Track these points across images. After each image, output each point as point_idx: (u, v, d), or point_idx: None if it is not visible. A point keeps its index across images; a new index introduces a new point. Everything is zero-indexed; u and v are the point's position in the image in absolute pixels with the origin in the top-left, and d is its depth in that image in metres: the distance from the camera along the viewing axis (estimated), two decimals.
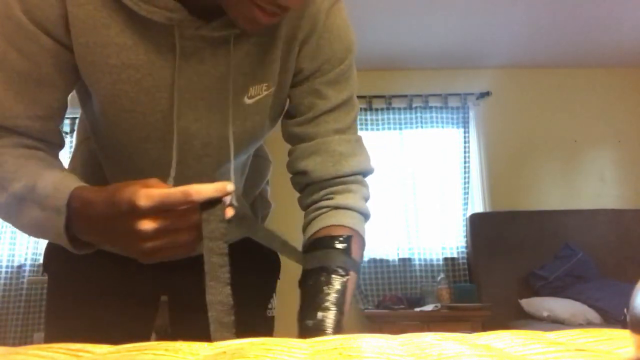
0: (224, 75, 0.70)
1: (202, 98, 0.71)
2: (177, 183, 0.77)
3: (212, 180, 0.77)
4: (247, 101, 0.73)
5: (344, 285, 0.68)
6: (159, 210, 0.54)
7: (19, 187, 0.62)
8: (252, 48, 0.71)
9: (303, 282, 0.71)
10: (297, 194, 0.83)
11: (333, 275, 0.68)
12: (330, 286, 0.67)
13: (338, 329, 0.65)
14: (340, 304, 0.67)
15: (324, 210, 0.76)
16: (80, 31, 0.65)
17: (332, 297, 0.67)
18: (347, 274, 0.69)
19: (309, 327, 0.65)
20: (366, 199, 0.79)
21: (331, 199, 0.76)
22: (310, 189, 0.79)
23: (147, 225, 0.54)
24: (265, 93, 0.74)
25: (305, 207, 0.80)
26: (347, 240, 0.72)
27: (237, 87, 0.71)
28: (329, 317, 0.65)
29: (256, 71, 0.72)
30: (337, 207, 0.75)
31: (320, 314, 0.65)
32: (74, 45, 0.66)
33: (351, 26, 0.78)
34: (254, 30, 0.65)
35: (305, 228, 0.78)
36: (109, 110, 0.70)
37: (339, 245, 0.71)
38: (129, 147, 0.74)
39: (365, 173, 0.80)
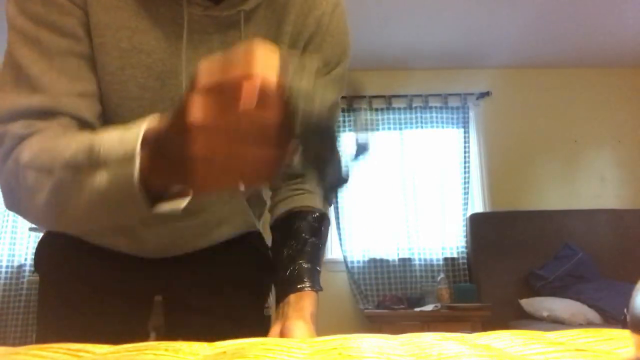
0: None
1: None
2: None
3: None
4: None
5: (319, 249, 0.79)
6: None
7: (71, 156, 0.52)
8: (257, 38, 0.72)
9: (276, 246, 0.82)
10: None
11: (309, 240, 0.78)
12: (307, 249, 0.77)
13: (316, 280, 0.75)
14: (316, 261, 0.77)
15: (299, 192, 0.84)
16: (94, 11, 0.64)
17: (308, 256, 0.76)
18: (320, 241, 0.80)
19: (286, 277, 0.75)
20: None
21: (304, 183, 0.84)
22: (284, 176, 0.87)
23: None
24: None
25: (275, 187, 0.88)
26: (322, 217, 0.82)
27: None
28: (307, 269, 0.75)
29: None
30: (311, 192, 0.84)
31: (297, 267, 0.75)
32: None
33: (350, 30, 0.80)
34: None
35: (277, 203, 0.86)
36: (113, 98, 0.69)
37: (314, 221, 0.80)
38: None
39: None
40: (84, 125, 0.65)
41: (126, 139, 0.49)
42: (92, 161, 0.51)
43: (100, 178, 0.50)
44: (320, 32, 0.75)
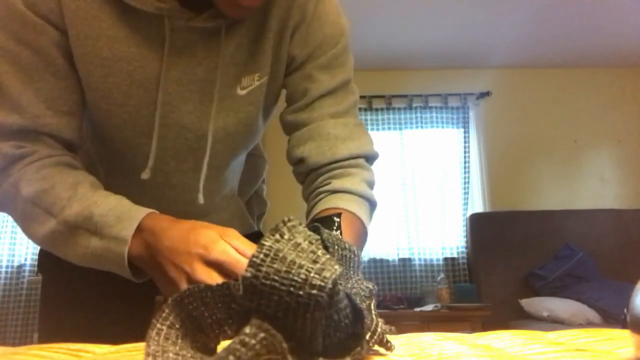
0: (216, 67, 0.70)
1: (195, 90, 0.71)
2: (174, 176, 0.77)
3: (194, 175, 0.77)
4: (240, 92, 0.73)
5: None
6: (222, 270, 0.52)
7: (72, 215, 0.61)
8: (243, 39, 0.71)
9: None
10: (294, 193, 0.81)
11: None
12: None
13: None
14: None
15: (321, 196, 0.72)
16: (72, 23, 0.64)
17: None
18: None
19: None
20: (368, 182, 0.73)
21: (328, 184, 0.72)
22: (310, 177, 0.76)
23: (202, 275, 0.52)
24: (257, 83, 0.74)
25: (306, 197, 0.77)
26: (327, 218, 0.65)
27: (229, 79, 0.71)
28: None
29: (247, 62, 0.73)
30: (334, 192, 0.71)
31: None
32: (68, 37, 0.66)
33: (342, 13, 0.78)
34: (238, 14, 0.65)
35: (306, 218, 0.74)
36: (101, 105, 0.69)
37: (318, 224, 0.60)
38: (120, 143, 0.73)
39: (367, 157, 0.75)
40: (65, 143, 0.69)
41: (122, 218, 0.60)
42: (89, 228, 0.60)
43: (95, 243, 0.60)
44: (306, 20, 0.74)
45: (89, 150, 0.82)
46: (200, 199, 0.73)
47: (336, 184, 0.71)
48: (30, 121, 0.65)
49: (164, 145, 0.72)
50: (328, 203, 0.69)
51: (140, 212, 0.61)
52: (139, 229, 0.59)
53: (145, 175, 0.70)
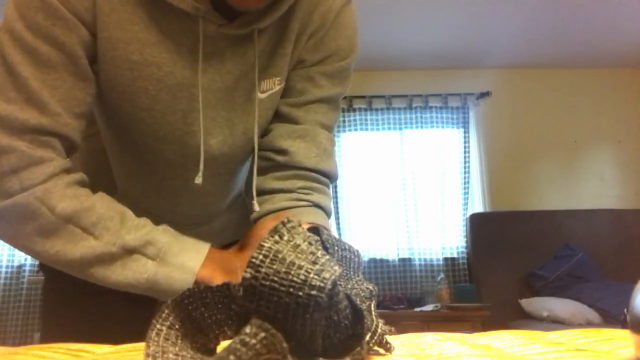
0: (243, 73, 0.70)
1: (220, 97, 0.71)
2: (193, 181, 0.77)
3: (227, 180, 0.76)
4: (260, 96, 0.74)
5: None
6: None
7: (130, 238, 0.60)
8: (266, 46, 0.72)
9: None
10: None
11: None
12: None
13: None
14: None
15: (304, 203, 0.74)
16: (105, 25, 0.63)
17: None
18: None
19: None
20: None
21: (310, 194, 0.74)
22: (283, 174, 0.76)
23: None
24: (278, 87, 0.75)
25: (269, 190, 0.76)
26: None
27: (251, 83, 0.72)
28: None
29: (269, 65, 0.73)
30: (317, 206, 0.74)
31: None
32: (97, 39, 0.64)
33: (358, 29, 0.79)
34: (246, 4, 0.64)
35: (272, 211, 0.74)
36: (126, 108, 0.69)
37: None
38: (142, 147, 0.73)
39: (334, 179, 0.80)
40: (71, 147, 0.65)
41: (189, 252, 0.61)
42: (149, 253, 0.61)
43: (153, 269, 0.60)
44: (324, 27, 0.75)
45: (102, 148, 0.82)
46: (256, 207, 0.73)
47: (319, 199, 0.75)
48: (51, 119, 0.61)
49: (187, 151, 0.72)
50: (313, 217, 0.72)
51: (204, 246, 0.63)
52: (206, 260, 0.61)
53: (198, 180, 0.69)
